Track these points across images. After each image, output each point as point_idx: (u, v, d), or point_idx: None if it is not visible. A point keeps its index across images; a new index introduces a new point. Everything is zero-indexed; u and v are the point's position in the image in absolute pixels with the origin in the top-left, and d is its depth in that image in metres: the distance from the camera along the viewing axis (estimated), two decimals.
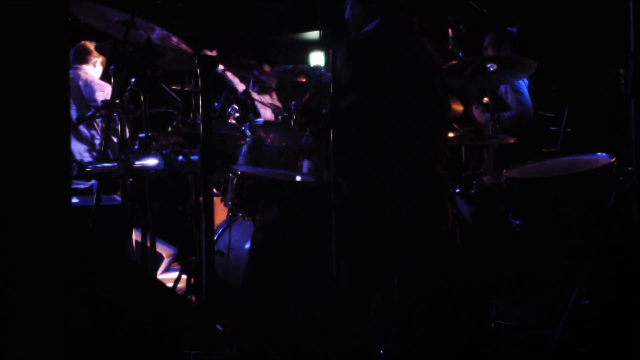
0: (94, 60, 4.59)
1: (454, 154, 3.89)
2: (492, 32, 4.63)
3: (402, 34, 2.60)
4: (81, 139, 4.39)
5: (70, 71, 4.49)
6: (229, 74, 5.19)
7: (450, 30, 3.79)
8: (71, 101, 4.41)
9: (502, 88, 4.46)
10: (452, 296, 2.68)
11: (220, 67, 4.94)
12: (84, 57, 4.55)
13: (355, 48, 2.50)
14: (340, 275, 2.25)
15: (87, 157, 4.37)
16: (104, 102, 3.08)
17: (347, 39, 2.56)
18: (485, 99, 4.22)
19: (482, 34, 4.74)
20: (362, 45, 2.52)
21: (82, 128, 4.40)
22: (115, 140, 4.35)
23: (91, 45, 4.54)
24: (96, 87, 4.46)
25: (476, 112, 4.43)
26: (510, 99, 4.46)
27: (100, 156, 4.22)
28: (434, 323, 2.59)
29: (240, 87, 5.17)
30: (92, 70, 4.58)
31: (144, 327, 2.01)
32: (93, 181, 4.01)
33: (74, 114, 4.38)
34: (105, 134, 3.10)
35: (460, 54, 3.80)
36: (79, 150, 4.34)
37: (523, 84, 4.47)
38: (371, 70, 2.48)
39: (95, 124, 4.41)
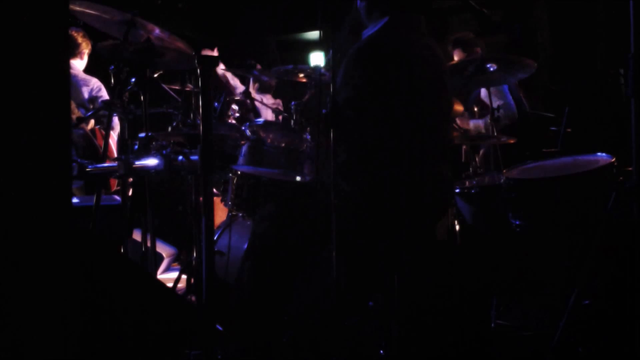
0: (82, 51, 4.46)
1: (454, 154, 3.90)
2: (458, 45, 4.65)
3: (407, 35, 2.60)
4: None
5: None
6: (229, 75, 5.19)
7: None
8: None
9: (483, 92, 4.46)
10: (452, 296, 2.68)
11: (222, 68, 4.94)
12: (72, 50, 4.40)
13: (364, 55, 2.50)
14: (340, 275, 2.24)
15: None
16: (104, 102, 3.08)
17: (356, 46, 2.56)
18: (476, 109, 4.25)
19: (483, 34, 4.76)
20: (371, 52, 2.52)
21: None
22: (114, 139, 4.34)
23: (77, 35, 4.42)
24: (81, 83, 4.39)
25: (459, 120, 4.44)
26: (495, 103, 4.47)
27: (88, 155, 4.21)
28: (434, 323, 2.59)
29: (241, 88, 5.17)
30: (79, 63, 4.48)
31: (144, 327, 2.01)
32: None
33: None
34: (106, 134, 3.09)
35: None
36: None
37: (505, 87, 4.50)
38: (379, 75, 2.48)
39: (82, 124, 4.36)
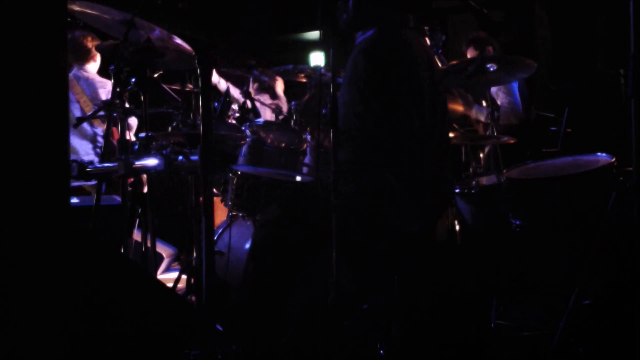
0: (94, 55, 4.55)
1: (454, 154, 3.90)
2: (471, 43, 4.71)
3: (404, 34, 2.60)
4: (85, 136, 4.41)
5: (74, 71, 4.50)
6: (224, 83, 5.17)
7: (427, 39, 3.85)
8: (75, 100, 4.43)
9: (493, 89, 4.50)
10: (452, 296, 2.68)
11: (216, 77, 4.94)
12: (85, 55, 4.52)
13: (366, 56, 2.51)
14: (340, 275, 2.24)
15: (91, 155, 4.39)
16: (104, 102, 3.08)
17: (358, 48, 2.56)
18: (484, 102, 4.27)
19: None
20: (373, 53, 2.52)
21: (86, 126, 4.41)
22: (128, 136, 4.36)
23: (86, 40, 4.49)
24: (98, 85, 4.48)
25: (463, 105, 4.47)
26: (502, 100, 4.51)
27: (102, 155, 4.24)
28: (434, 323, 2.59)
29: (239, 97, 5.15)
30: (94, 66, 4.57)
31: (144, 327, 2.01)
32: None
33: (78, 113, 4.39)
34: (106, 134, 3.09)
35: (445, 62, 3.87)
36: (85, 149, 4.37)
37: (514, 85, 4.52)
38: (380, 75, 2.48)
39: (99, 122, 4.42)
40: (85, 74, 4.49)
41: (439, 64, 3.93)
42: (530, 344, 2.88)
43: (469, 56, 4.68)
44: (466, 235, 3.28)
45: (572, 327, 2.43)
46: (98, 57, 4.58)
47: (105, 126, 4.40)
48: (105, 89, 4.46)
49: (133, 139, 4.30)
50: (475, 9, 3.78)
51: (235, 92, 5.12)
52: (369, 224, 2.51)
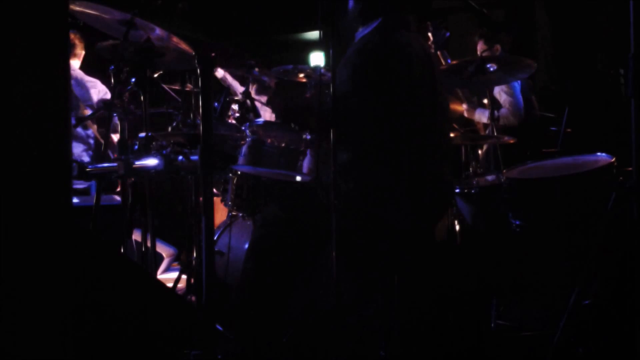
0: (77, 52, 4.50)
1: (454, 154, 3.90)
2: (482, 37, 4.75)
3: (403, 35, 2.60)
4: (77, 139, 4.38)
5: None
6: (229, 77, 5.20)
7: (430, 35, 3.86)
8: None
9: (496, 89, 4.52)
10: (452, 296, 2.68)
11: (220, 72, 4.95)
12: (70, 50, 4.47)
13: (363, 56, 2.51)
14: (340, 275, 2.24)
15: (85, 157, 4.38)
16: (104, 102, 3.08)
17: (354, 47, 2.56)
18: (485, 100, 4.29)
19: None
20: (370, 52, 2.52)
21: (78, 128, 4.37)
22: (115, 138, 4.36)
23: (75, 37, 4.43)
24: (89, 85, 4.43)
25: (466, 112, 4.52)
26: (503, 100, 4.53)
27: (99, 156, 4.23)
28: (434, 323, 2.59)
29: (240, 89, 5.17)
30: (77, 63, 4.51)
31: (144, 327, 2.01)
32: (92, 181, 4.02)
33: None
34: (106, 134, 3.09)
35: (449, 60, 3.88)
36: (77, 151, 4.35)
37: (517, 85, 4.54)
38: (379, 75, 2.48)
39: (90, 124, 4.40)
40: (73, 72, 4.41)
41: (442, 62, 3.94)
42: (530, 344, 2.88)
43: (478, 48, 4.71)
44: (466, 235, 3.28)
45: (572, 327, 2.43)
46: (82, 56, 4.52)
47: (96, 127, 4.39)
48: (96, 88, 4.42)
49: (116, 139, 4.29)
50: (475, 9, 3.78)
51: (236, 85, 5.12)
52: (368, 223, 2.51)
